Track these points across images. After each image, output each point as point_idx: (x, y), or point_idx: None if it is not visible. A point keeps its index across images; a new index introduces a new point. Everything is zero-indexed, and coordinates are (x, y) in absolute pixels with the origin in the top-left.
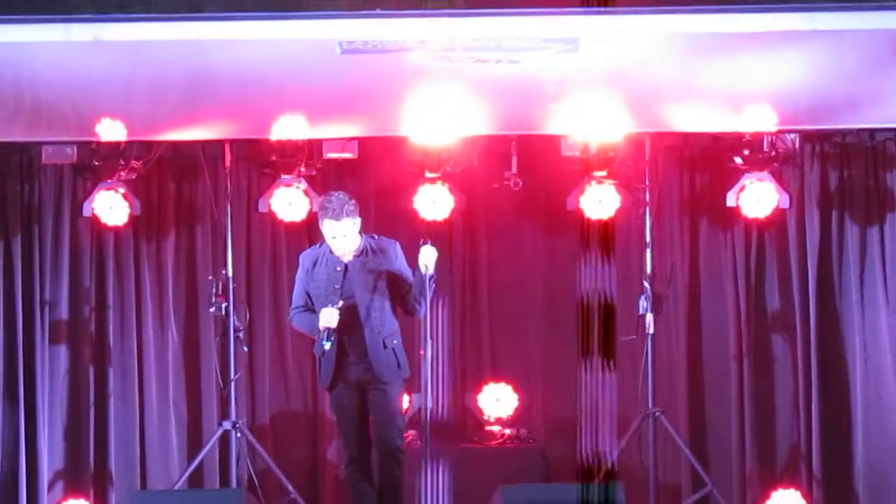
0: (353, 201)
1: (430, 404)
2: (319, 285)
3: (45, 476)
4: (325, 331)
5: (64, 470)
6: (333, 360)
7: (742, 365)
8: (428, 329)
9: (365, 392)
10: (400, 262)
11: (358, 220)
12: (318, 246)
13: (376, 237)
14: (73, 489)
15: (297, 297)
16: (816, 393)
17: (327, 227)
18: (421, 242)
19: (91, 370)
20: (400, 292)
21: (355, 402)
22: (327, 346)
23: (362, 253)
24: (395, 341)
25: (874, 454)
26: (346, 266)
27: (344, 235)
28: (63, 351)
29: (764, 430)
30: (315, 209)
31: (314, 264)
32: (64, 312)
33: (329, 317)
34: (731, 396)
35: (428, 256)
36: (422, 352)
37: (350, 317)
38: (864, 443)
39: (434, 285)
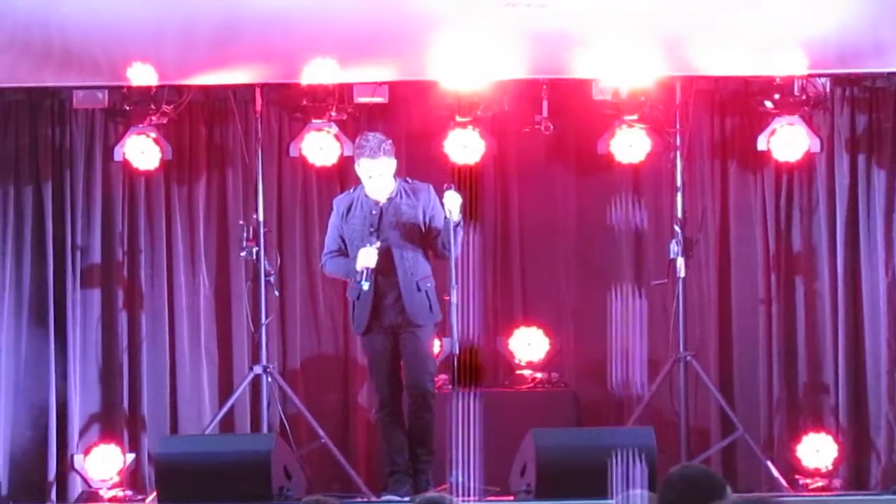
0: (390, 141)
1: (457, 349)
2: (354, 228)
3: (76, 420)
4: (363, 271)
5: (96, 415)
6: (369, 303)
7: (771, 309)
8: (454, 275)
9: (397, 336)
10: (433, 206)
11: (394, 161)
12: (352, 190)
13: (410, 181)
14: (106, 434)
15: (331, 243)
16: (843, 337)
17: (364, 165)
18: (445, 188)
19: (123, 315)
20: (430, 236)
21: (387, 346)
22: (366, 286)
23: (396, 195)
24: (428, 284)
25: (893, 396)
26: (381, 208)
27: (380, 175)
28: (95, 296)
29: (792, 374)
30: (346, 153)
31: (349, 208)
32: (96, 257)
33: (367, 256)
34: (761, 340)
35: (452, 202)
36: (447, 297)
37: (384, 259)
38: (886, 386)
39: (461, 232)
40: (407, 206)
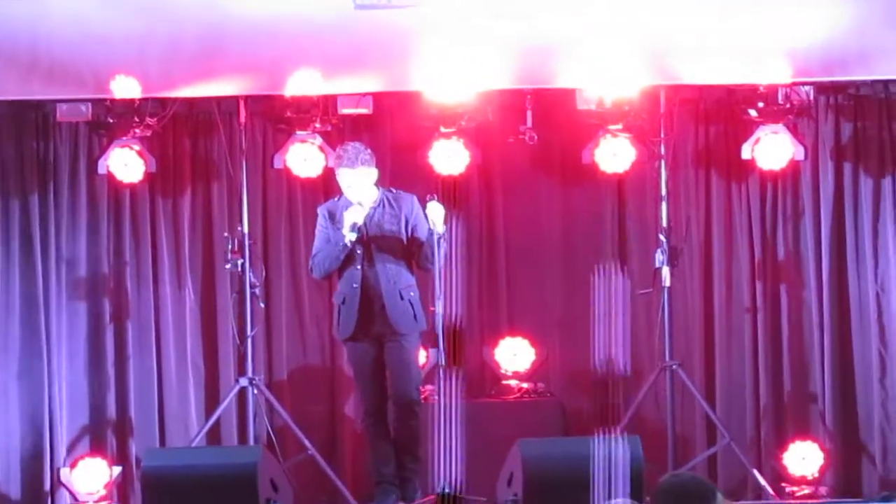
0: (369, 151)
1: (443, 360)
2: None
3: (63, 433)
4: (352, 225)
5: (84, 427)
6: (355, 309)
7: (756, 317)
8: (439, 286)
9: (382, 345)
10: (416, 215)
11: (374, 171)
12: (336, 199)
13: (394, 191)
14: (93, 446)
15: (319, 245)
16: (829, 345)
17: (343, 175)
18: (428, 198)
19: (110, 327)
20: (413, 245)
21: (372, 354)
22: (353, 236)
23: (379, 205)
24: (412, 293)
25: (888, 406)
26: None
27: (360, 184)
28: (82, 308)
29: (779, 383)
30: (330, 165)
31: (333, 216)
32: (82, 269)
33: (356, 212)
34: (746, 349)
35: (436, 214)
36: (432, 308)
37: (367, 268)
38: (878, 394)
39: (445, 243)
40: (389, 215)
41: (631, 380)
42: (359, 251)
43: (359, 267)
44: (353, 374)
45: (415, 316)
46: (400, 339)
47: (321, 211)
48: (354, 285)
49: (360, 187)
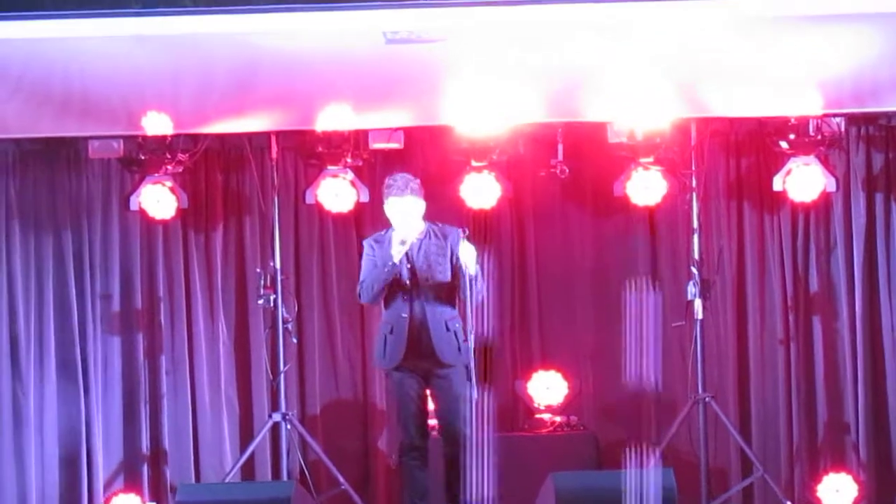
0: (417, 181)
1: (475, 393)
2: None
3: (100, 468)
4: (400, 243)
5: (119, 463)
6: (404, 339)
7: (790, 349)
8: (471, 320)
9: (427, 379)
10: (462, 250)
11: (421, 201)
12: (382, 233)
13: (440, 224)
14: (128, 481)
15: (367, 271)
16: (863, 375)
17: (391, 204)
18: (461, 234)
19: (144, 362)
20: (457, 279)
21: (416, 387)
22: (402, 251)
23: (426, 236)
24: (456, 324)
25: None
26: (410, 248)
27: (408, 213)
28: (116, 343)
29: (812, 413)
30: (362, 199)
31: (380, 244)
32: (116, 305)
33: (404, 233)
34: (780, 381)
35: (467, 255)
36: (465, 341)
37: (415, 298)
38: None
39: (479, 283)
40: (436, 246)
41: (664, 412)
42: (406, 281)
43: (406, 297)
44: (395, 405)
45: (459, 348)
46: (447, 372)
47: (368, 241)
48: (403, 315)
49: (408, 216)
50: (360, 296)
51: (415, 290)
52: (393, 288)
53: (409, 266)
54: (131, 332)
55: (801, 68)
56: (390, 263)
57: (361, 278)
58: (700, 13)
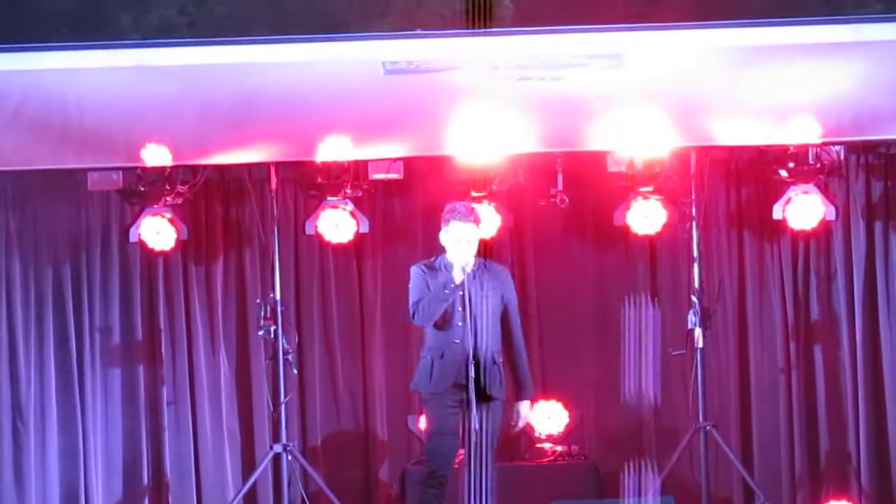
0: (479, 211)
1: (476, 423)
2: (438, 290)
3: (100, 502)
4: (462, 268)
5: (121, 494)
6: (455, 363)
7: (791, 377)
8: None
9: (470, 409)
10: (511, 290)
11: (479, 232)
12: (432, 260)
13: (488, 261)
14: None
15: (419, 292)
16: (864, 404)
17: (454, 228)
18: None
19: (144, 394)
20: (503, 318)
21: (456, 416)
22: (461, 275)
23: (479, 268)
24: (500, 359)
25: None
26: (464, 279)
27: (468, 241)
28: (117, 376)
29: (814, 442)
30: (362, 230)
31: (432, 272)
32: (116, 338)
33: (463, 257)
34: (781, 408)
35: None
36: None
37: (465, 327)
38: None
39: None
40: (489, 280)
41: (665, 441)
42: (459, 308)
43: (460, 324)
44: (433, 433)
45: (501, 381)
46: (493, 404)
47: (418, 267)
48: (455, 341)
49: (468, 244)
50: (413, 316)
51: (468, 318)
52: (447, 313)
53: (461, 293)
54: (132, 364)
55: (800, 96)
56: (452, 285)
57: (414, 299)
58: (697, 41)
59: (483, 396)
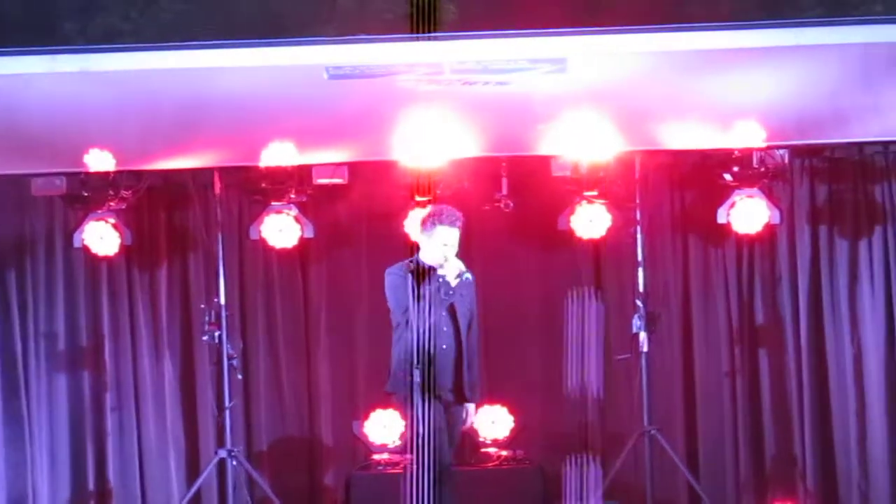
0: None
1: (421, 428)
2: (424, 295)
3: None
4: (459, 273)
5: (66, 500)
6: (448, 369)
7: (736, 381)
8: (416, 354)
9: (446, 410)
10: (474, 293)
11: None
12: (406, 263)
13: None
14: None
15: (406, 301)
16: (809, 407)
17: (440, 233)
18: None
19: (89, 400)
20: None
21: (442, 417)
22: (470, 276)
23: (462, 276)
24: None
25: (865, 466)
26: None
27: (453, 245)
28: (62, 381)
29: (758, 445)
30: (306, 235)
31: (414, 275)
32: (61, 343)
33: (456, 264)
34: (726, 412)
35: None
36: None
37: (453, 331)
38: (856, 455)
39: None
40: (467, 288)
41: (611, 445)
42: (444, 314)
43: (445, 328)
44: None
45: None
46: (461, 408)
47: (399, 271)
48: (444, 346)
49: (452, 248)
50: (408, 323)
51: (453, 324)
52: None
53: (449, 301)
54: (76, 369)
55: (744, 101)
56: (450, 291)
57: (404, 306)
58: (640, 46)
59: (460, 398)
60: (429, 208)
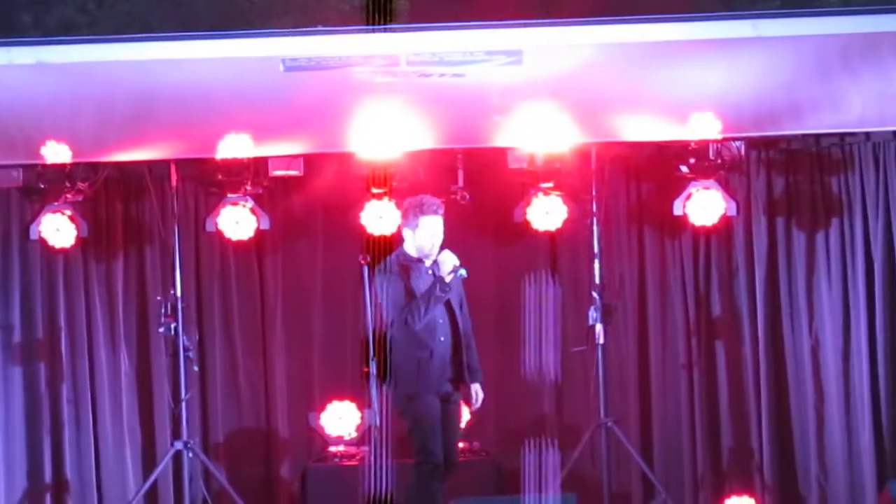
0: None
1: (377, 420)
2: (419, 287)
3: (3, 499)
4: (454, 268)
5: (22, 491)
6: (442, 362)
7: (692, 373)
8: (372, 346)
9: (444, 402)
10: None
11: None
12: (395, 257)
13: None
14: None
15: (403, 298)
16: (766, 399)
17: (425, 223)
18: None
19: (46, 392)
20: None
21: (440, 411)
22: (465, 272)
23: (454, 272)
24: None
25: (822, 459)
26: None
27: (438, 234)
28: (17, 373)
29: (715, 437)
30: (262, 227)
31: (406, 270)
32: (17, 335)
33: (451, 256)
34: (682, 404)
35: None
36: (366, 369)
37: (449, 324)
38: (814, 448)
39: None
40: (458, 281)
41: (567, 437)
42: (440, 308)
43: (441, 321)
44: (422, 426)
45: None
46: (458, 400)
47: (387, 269)
48: (442, 339)
49: (437, 238)
50: (411, 320)
51: (450, 316)
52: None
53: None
54: (32, 362)
55: (700, 92)
56: (447, 288)
57: (401, 303)
58: (595, 37)
59: (459, 384)
60: (406, 201)
